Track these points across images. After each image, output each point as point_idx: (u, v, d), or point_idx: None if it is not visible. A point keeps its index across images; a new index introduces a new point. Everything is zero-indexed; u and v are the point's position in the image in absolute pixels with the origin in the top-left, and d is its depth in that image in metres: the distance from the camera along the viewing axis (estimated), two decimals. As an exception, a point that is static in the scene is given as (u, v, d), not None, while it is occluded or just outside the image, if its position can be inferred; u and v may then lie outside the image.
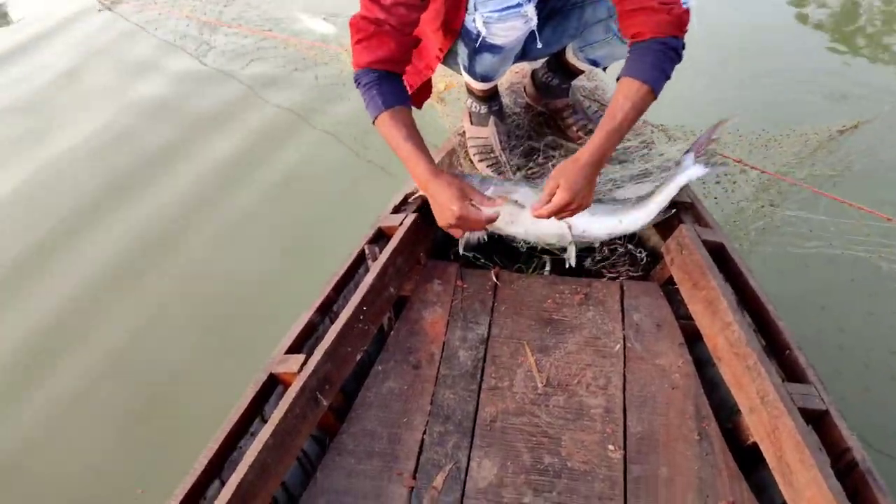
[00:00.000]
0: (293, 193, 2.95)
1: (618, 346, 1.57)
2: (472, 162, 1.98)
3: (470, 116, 1.99)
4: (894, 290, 2.15)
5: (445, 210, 1.51)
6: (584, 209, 1.53)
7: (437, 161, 1.99)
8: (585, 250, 1.93)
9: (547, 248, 1.81)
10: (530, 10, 1.50)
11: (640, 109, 1.47)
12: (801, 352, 1.42)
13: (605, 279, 1.81)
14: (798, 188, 2.25)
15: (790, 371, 1.41)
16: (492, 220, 1.56)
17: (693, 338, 1.61)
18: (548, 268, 1.82)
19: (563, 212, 1.51)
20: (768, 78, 3.40)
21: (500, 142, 1.93)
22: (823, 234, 2.15)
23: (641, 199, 1.71)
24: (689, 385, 1.48)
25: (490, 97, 1.91)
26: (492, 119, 1.93)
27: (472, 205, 1.51)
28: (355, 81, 1.58)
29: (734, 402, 1.43)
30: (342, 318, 1.50)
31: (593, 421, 1.43)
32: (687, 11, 1.45)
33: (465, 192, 1.51)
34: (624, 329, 1.61)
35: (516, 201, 1.62)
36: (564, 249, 1.72)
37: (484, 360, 1.56)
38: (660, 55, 1.45)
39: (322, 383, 1.43)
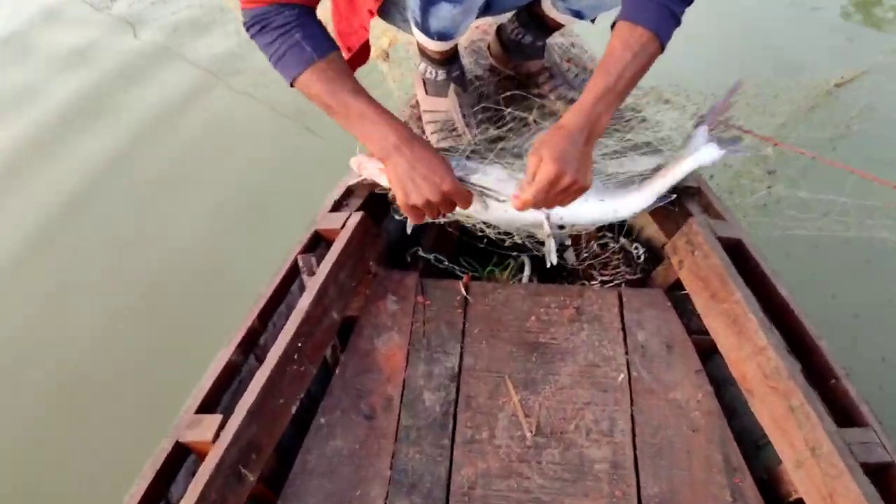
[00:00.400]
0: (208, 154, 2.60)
1: (621, 375, 1.26)
2: (428, 139, 1.61)
3: (424, 84, 1.60)
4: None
5: (429, 183, 1.15)
6: (583, 192, 1.16)
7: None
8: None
9: (521, 241, 1.46)
10: None
11: (643, 63, 1.13)
12: (849, 380, 1.14)
13: (596, 284, 1.49)
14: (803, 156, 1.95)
15: (839, 407, 1.12)
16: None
17: (709, 351, 1.32)
18: (527, 271, 1.49)
19: (553, 193, 1.13)
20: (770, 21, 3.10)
21: (464, 115, 1.55)
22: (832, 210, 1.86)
23: (635, 181, 1.38)
24: (713, 426, 1.19)
25: (449, 60, 1.53)
26: (451, 87, 1.55)
27: None
28: (253, 25, 1.17)
29: (766, 437, 1.16)
30: (271, 360, 1.15)
31: (598, 481, 1.13)
32: None
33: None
34: (627, 353, 1.30)
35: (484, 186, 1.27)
36: (542, 242, 1.37)
37: (456, 404, 1.23)
38: None
39: (246, 452, 1.08)
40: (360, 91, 1.19)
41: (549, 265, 1.36)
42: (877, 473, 1.02)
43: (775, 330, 1.21)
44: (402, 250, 1.59)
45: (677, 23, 1.14)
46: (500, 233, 1.41)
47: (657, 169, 1.36)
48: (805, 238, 1.83)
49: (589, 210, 1.34)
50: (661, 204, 1.36)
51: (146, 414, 1.72)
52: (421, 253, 1.55)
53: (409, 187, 1.16)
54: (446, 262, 1.53)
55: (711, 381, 1.29)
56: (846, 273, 1.98)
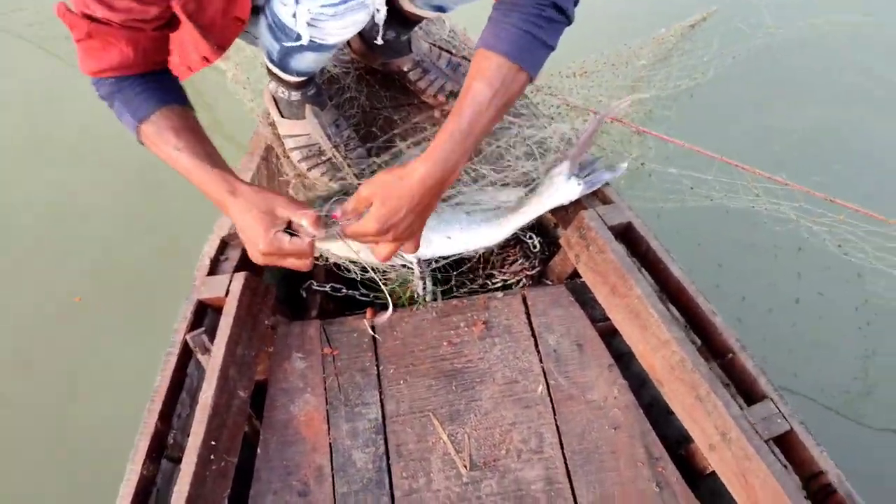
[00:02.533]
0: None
1: (540, 386, 1.29)
2: (295, 167, 1.49)
3: (276, 104, 1.46)
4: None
5: (251, 246, 1.08)
6: (405, 247, 1.12)
7: (251, 173, 1.49)
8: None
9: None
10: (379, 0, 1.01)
11: (506, 99, 1.04)
12: (747, 352, 1.21)
13: (498, 286, 1.48)
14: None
15: (738, 382, 1.20)
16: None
17: (613, 334, 1.37)
18: (429, 286, 1.45)
19: (369, 239, 1.09)
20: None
21: (328, 135, 1.44)
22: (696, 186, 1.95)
23: (496, 214, 1.38)
24: (632, 420, 1.25)
25: (304, 83, 1.40)
26: (308, 109, 1.42)
27: (290, 231, 1.06)
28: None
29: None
30: (187, 468, 1.07)
31: (537, 502, 1.17)
32: None
33: (276, 213, 1.05)
34: (541, 361, 1.32)
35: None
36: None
37: (387, 457, 1.22)
38: (528, 17, 1.01)
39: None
40: (186, 145, 1.09)
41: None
42: (780, 442, 1.12)
43: (678, 318, 1.26)
44: (296, 286, 1.51)
45: (547, 48, 1.05)
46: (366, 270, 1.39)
47: (520, 202, 1.37)
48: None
49: (452, 246, 1.35)
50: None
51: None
52: (315, 286, 1.47)
53: (244, 239, 1.10)
54: (344, 290, 1.46)
55: (617, 358, 1.34)
56: (708, 226, 2.14)
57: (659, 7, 2.94)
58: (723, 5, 2.81)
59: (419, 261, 1.32)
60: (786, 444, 1.12)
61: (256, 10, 1.13)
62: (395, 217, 1.04)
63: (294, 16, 1.02)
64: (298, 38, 1.08)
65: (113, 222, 2.29)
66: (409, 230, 1.07)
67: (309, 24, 1.03)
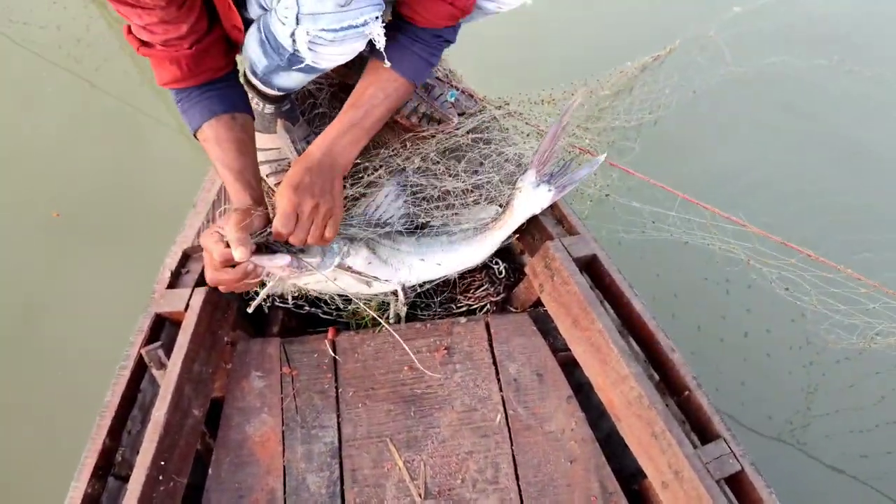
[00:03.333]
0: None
1: (498, 416, 1.29)
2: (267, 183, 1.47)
3: (247, 113, 1.44)
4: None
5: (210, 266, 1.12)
6: (332, 216, 1.14)
7: (220, 183, 1.47)
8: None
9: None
10: (376, 28, 1.03)
11: (393, 105, 1.25)
12: (702, 391, 1.24)
13: (463, 311, 1.48)
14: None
15: (694, 420, 1.23)
16: (248, 273, 1.08)
17: (574, 365, 1.38)
18: (392, 310, 1.44)
19: (301, 221, 1.09)
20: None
21: (299, 151, 1.42)
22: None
23: (474, 232, 1.40)
24: (588, 453, 1.26)
25: (281, 97, 1.38)
26: (280, 123, 1.41)
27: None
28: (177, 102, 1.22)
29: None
30: (134, 489, 1.04)
31: (491, 532, 1.17)
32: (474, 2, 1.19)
33: (218, 229, 1.05)
34: (501, 389, 1.32)
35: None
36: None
37: (342, 481, 1.20)
38: (428, 47, 1.22)
39: None
40: (219, 158, 1.16)
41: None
42: (731, 482, 1.15)
43: (638, 353, 1.28)
44: (257, 311, 1.48)
45: (433, 66, 1.26)
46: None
47: (495, 217, 1.39)
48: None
49: (436, 270, 1.38)
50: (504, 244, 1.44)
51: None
52: (278, 302, 1.44)
53: None
54: (307, 308, 1.44)
55: (577, 389, 1.36)
56: (666, 257, 2.21)
57: (619, 41, 3.02)
58: (684, 40, 2.90)
59: (403, 287, 1.32)
60: (736, 484, 1.15)
61: (248, 23, 1.15)
62: (300, 187, 1.10)
63: (292, 36, 1.03)
64: (290, 57, 1.09)
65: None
66: (318, 212, 1.11)
67: (309, 45, 1.03)
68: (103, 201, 2.40)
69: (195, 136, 1.20)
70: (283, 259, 1.09)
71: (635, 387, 1.19)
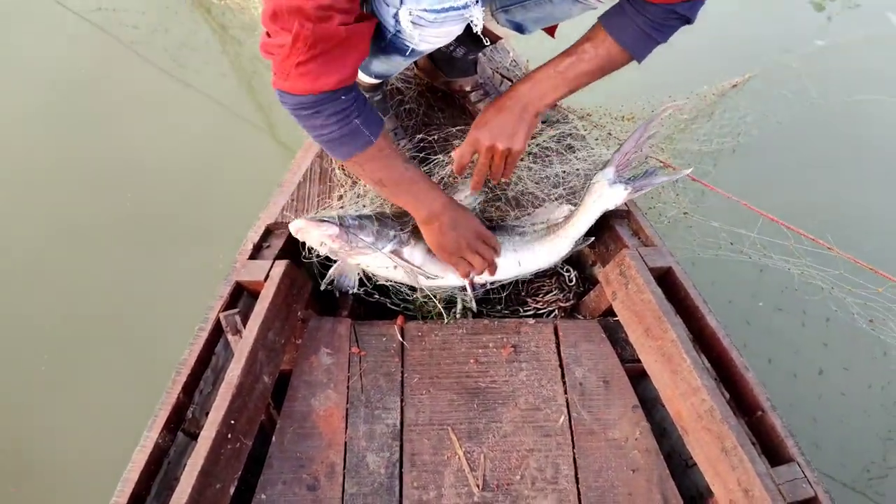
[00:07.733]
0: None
1: (562, 417, 1.28)
2: (344, 172, 1.50)
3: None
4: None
5: (470, 233, 1.28)
6: (514, 155, 1.23)
7: (307, 167, 1.52)
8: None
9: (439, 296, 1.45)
10: (477, 12, 1.03)
11: (604, 68, 1.19)
12: (776, 412, 1.20)
13: (530, 313, 1.48)
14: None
15: (766, 441, 1.18)
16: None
17: (640, 378, 1.35)
18: (460, 306, 1.45)
19: (484, 161, 1.24)
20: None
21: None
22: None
23: (548, 231, 1.40)
24: (652, 465, 1.23)
25: (375, 87, 1.42)
26: (373, 113, 1.44)
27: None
28: (306, 109, 1.06)
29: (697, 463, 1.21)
30: (204, 443, 1.07)
31: (546, 532, 1.15)
32: None
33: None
34: (566, 392, 1.31)
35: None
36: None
37: (401, 464, 1.21)
38: (653, 22, 1.11)
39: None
40: (409, 161, 1.23)
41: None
42: (804, 509, 1.10)
43: (709, 369, 1.24)
44: (330, 293, 1.51)
45: (657, 43, 1.16)
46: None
47: (569, 215, 1.38)
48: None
49: (507, 270, 1.39)
50: (580, 248, 1.42)
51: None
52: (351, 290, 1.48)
53: (450, 238, 1.26)
54: (377, 296, 1.47)
55: (643, 402, 1.33)
56: (741, 283, 2.15)
57: (698, 66, 2.97)
58: (764, 70, 2.83)
59: (472, 283, 1.34)
60: (809, 512, 1.10)
61: None
62: (487, 127, 1.21)
63: (395, 17, 1.04)
64: (392, 39, 1.10)
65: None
66: (511, 138, 1.20)
67: (412, 22, 1.04)
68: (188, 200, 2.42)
69: (370, 146, 1.13)
70: (331, 229, 1.23)
71: (707, 399, 1.16)
